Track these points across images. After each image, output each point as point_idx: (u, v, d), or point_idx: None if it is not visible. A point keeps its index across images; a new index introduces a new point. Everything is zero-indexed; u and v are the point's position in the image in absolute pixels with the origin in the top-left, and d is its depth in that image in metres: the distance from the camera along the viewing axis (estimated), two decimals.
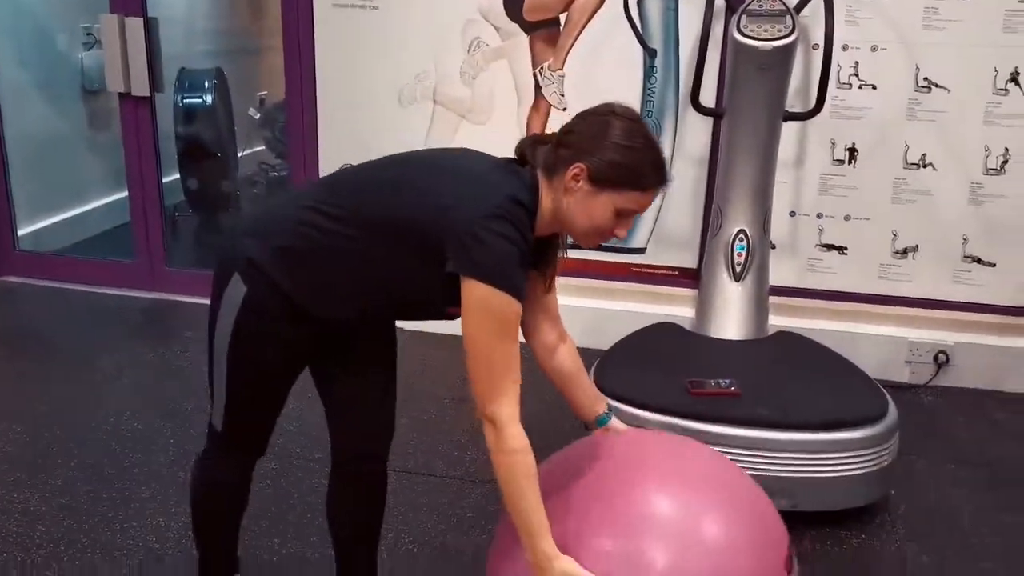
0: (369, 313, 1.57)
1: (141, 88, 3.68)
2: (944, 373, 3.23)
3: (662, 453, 1.54)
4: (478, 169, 1.48)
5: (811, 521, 2.28)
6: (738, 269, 2.82)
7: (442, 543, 2.23)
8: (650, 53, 3.19)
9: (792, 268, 3.28)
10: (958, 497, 2.52)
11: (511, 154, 1.52)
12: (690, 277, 3.36)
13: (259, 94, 5.05)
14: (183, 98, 4.59)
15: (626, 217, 1.45)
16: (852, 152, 3.15)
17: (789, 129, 2.96)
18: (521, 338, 1.43)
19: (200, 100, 4.61)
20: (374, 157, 1.57)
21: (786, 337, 2.84)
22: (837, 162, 3.17)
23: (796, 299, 3.28)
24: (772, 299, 2.97)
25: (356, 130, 3.46)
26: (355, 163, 1.57)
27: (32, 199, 4.24)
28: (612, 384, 2.34)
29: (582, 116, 1.46)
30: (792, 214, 3.24)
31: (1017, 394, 3.18)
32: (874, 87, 3.07)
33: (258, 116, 5.01)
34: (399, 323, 1.69)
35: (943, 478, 2.61)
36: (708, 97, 3.02)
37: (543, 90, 3.30)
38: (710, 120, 3.13)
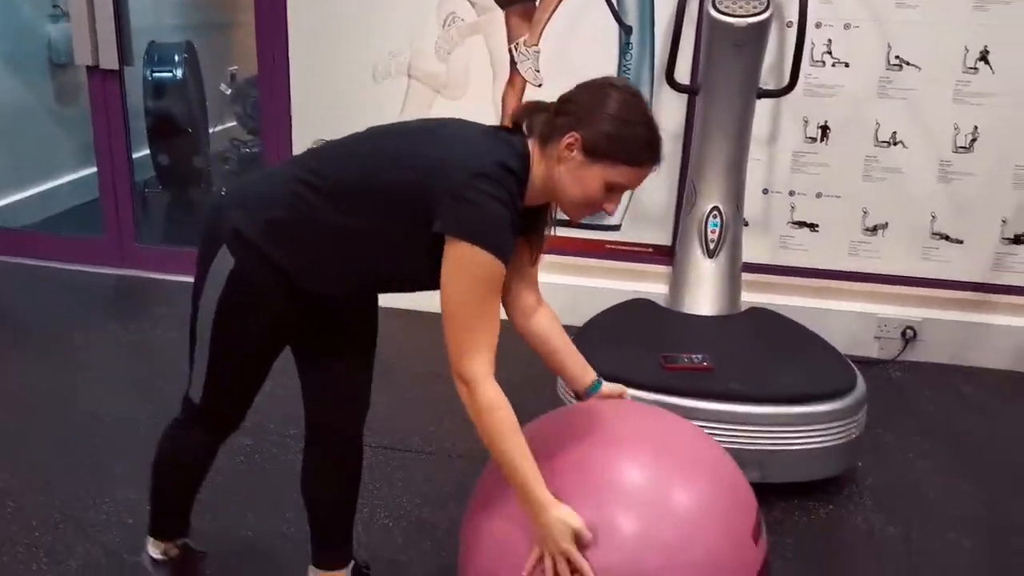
0: (355, 287, 1.56)
1: (110, 61, 3.61)
2: (912, 348, 3.28)
3: (635, 424, 1.56)
4: (468, 135, 1.47)
5: (781, 492, 2.32)
6: (712, 246, 2.84)
7: (417, 517, 2.25)
8: (625, 30, 3.19)
9: (765, 245, 3.30)
10: (924, 469, 2.57)
11: None
12: (664, 254, 3.38)
13: (230, 69, 4.98)
14: (153, 72, 4.52)
15: (617, 192, 1.45)
16: (824, 130, 3.17)
17: (762, 107, 2.97)
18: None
19: (170, 74, 4.54)
20: (348, 133, 1.55)
21: (758, 313, 2.87)
22: (809, 139, 3.19)
23: (768, 276, 3.31)
24: (745, 276, 3.00)
25: (330, 105, 3.42)
26: (329, 139, 1.55)
27: None
28: (587, 360, 2.35)
29: (582, 87, 1.45)
30: (765, 191, 3.26)
31: (983, 368, 3.24)
32: (847, 65, 3.09)
33: (229, 91, 4.94)
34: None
35: (910, 450, 2.67)
36: (683, 74, 3.03)
37: (518, 66, 3.29)
38: (685, 97, 3.13)
